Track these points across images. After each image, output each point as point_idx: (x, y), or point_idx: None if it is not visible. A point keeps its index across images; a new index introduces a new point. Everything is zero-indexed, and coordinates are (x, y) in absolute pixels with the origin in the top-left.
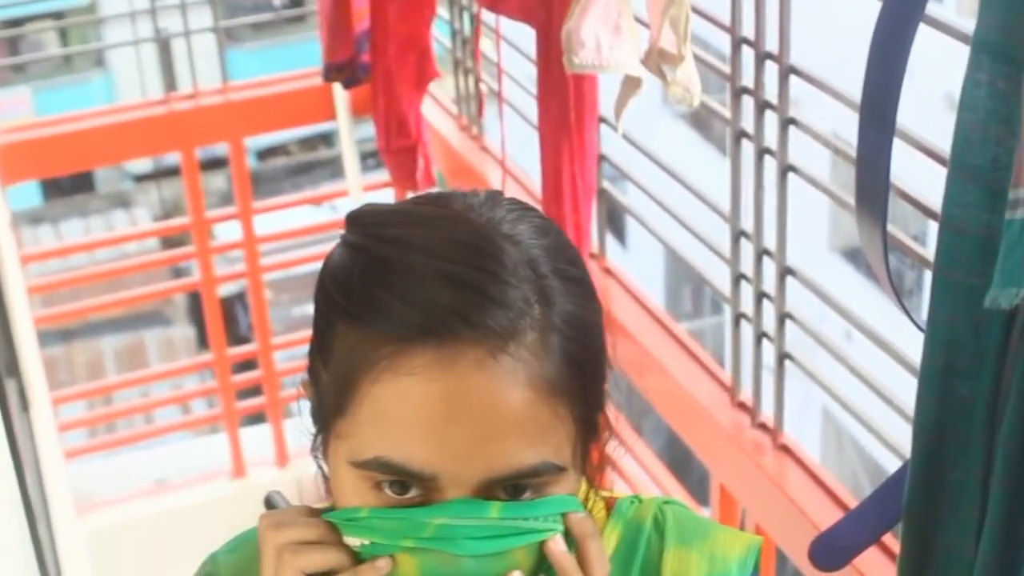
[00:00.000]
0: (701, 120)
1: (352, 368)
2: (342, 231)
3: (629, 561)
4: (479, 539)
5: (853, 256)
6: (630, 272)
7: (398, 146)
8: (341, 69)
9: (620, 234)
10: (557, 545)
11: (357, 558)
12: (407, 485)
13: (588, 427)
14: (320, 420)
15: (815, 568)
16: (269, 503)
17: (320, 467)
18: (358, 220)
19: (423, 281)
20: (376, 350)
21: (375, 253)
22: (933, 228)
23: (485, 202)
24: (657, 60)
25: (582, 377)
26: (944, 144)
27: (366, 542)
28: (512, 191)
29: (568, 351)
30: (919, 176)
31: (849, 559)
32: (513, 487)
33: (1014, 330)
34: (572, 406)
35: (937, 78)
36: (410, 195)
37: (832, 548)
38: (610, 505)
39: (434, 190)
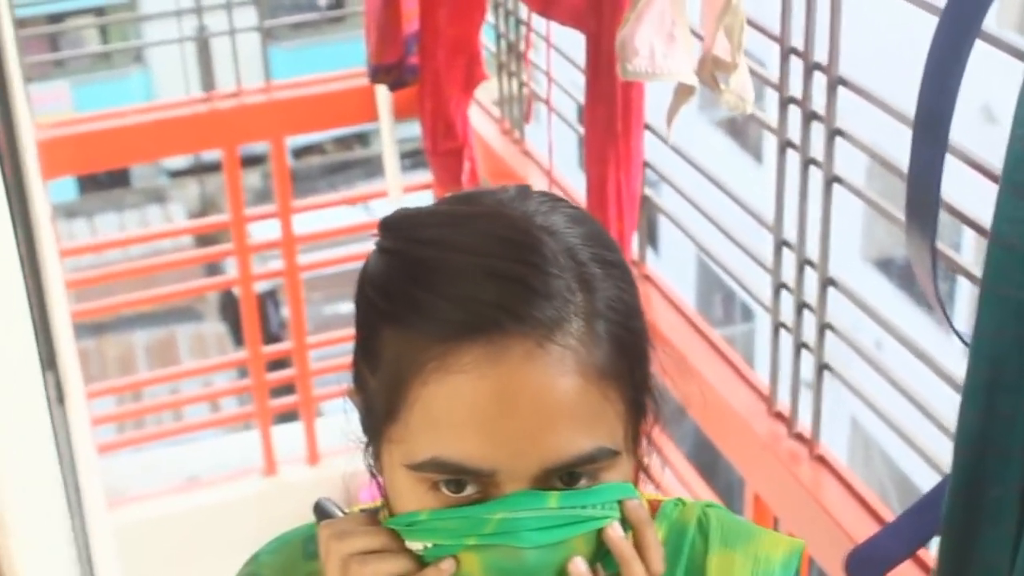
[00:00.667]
0: (737, 127)
1: (400, 372)
2: (376, 237)
3: (674, 563)
4: (540, 530)
5: (885, 266)
6: (662, 276)
7: (445, 148)
8: (389, 71)
9: (652, 240)
10: (615, 531)
11: (421, 562)
12: (463, 483)
13: (637, 409)
14: (371, 427)
15: None
16: (320, 509)
17: (373, 475)
18: (393, 225)
19: (465, 279)
20: (424, 351)
21: (414, 255)
22: (967, 238)
23: (516, 196)
24: (711, 68)
25: (629, 359)
26: (982, 155)
27: (429, 545)
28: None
29: (614, 335)
30: (957, 186)
31: (885, 572)
32: (569, 475)
33: None
34: (621, 389)
35: (973, 90)
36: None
37: (868, 561)
38: (654, 507)
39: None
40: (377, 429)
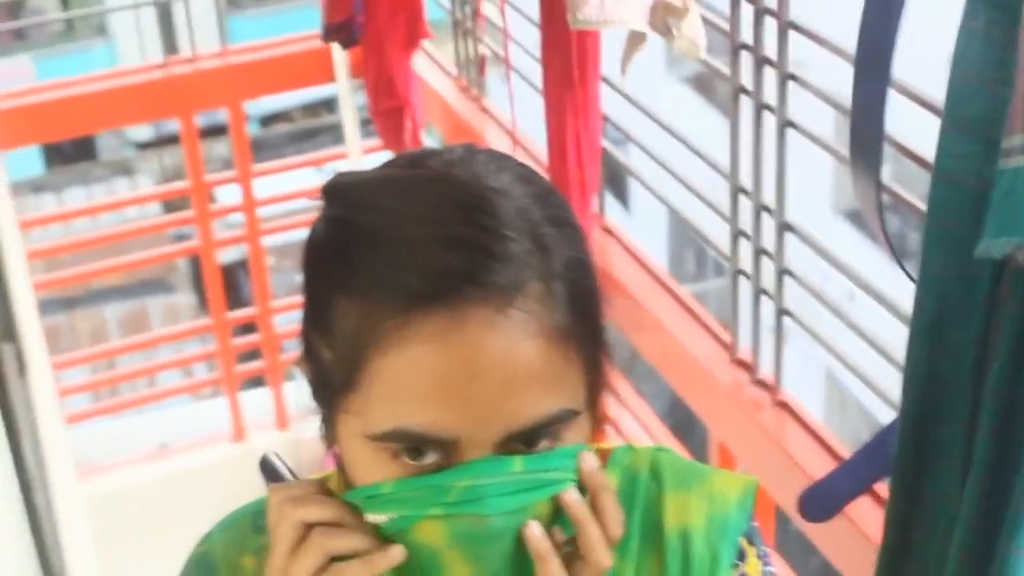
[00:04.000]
0: (705, 83)
1: (358, 342)
2: (321, 204)
3: (629, 508)
4: (504, 495)
5: (857, 218)
6: (633, 235)
7: (386, 107)
8: (339, 29)
9: (623, 197)
10: (572, 495)
11: (380, 533)
12: (424, 451)
13: (595, 367)
14: (325, 398)
15: (803, 518)
16: (267, 464)
17: (330, 445)
18: (337, 192)
19: (421, 246)
20: (382, 321)
21: (365, 224)
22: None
23: (463, 157)
24: (662, 14)
25: (586, 318)
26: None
27: (393, 516)
28: (516, 153)
29: (572, 294)
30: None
31: (838, 509)
32: (530, 437)
33: (1003, 281)
34: (581, 348)
35: (939, 41)
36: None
37: (821, 499)
38: (605, 454)
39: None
40: (332, 400)
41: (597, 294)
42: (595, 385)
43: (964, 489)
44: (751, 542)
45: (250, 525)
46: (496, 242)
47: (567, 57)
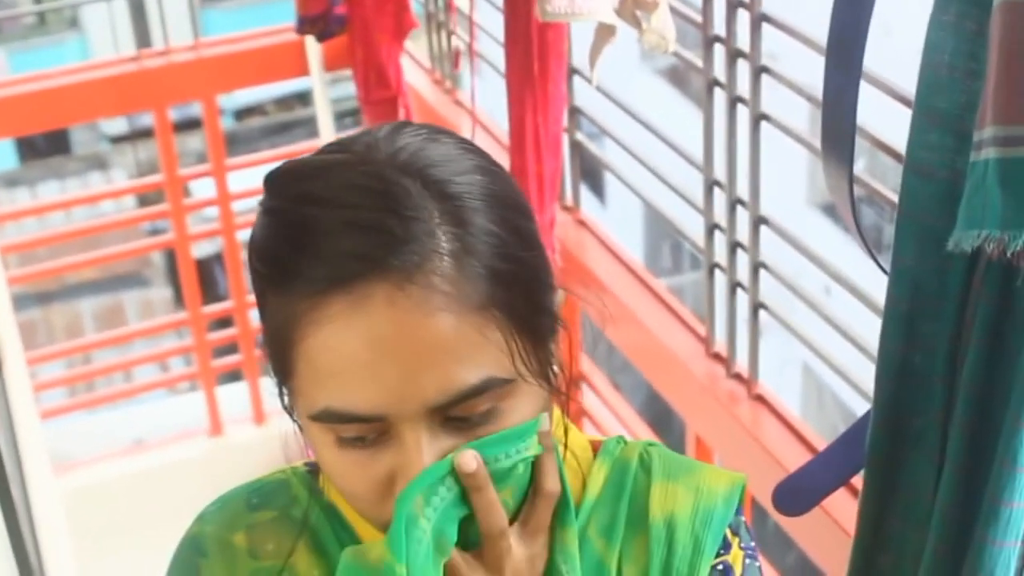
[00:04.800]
0: (680, 76)
1: (283, 330)
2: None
3: (617, 497)
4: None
5: (831, 211)
6: (609, 228)
7: (378, 97)
8: (315, 22)
9: (599, 191)
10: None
11: None
12: (362, 438)
13: (532, 332)
14: (277, 378)
15: (779, 512)
16: None
17: (295, 422)
18: (271, 181)
19: (327, 233)
20: (294, 309)
21: (285, 215)
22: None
23: (388, 135)
24: (631, 7)
25: (511, 286)
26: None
27: None
28: (484, 144)
29: (489, 265)
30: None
31: (814, 503)
32: (460, 406)
33: (976, 273)
34: (505, 316)
35: (915, 34)
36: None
37: (796, 492)
38: (596, 446)
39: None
40: (281, 384)
41: (531, 261)
42: (537, 350)
43: (939, 480)
44: (736, 534)
45: (244, 503)
46: (395, 221)
47: (528, 50)
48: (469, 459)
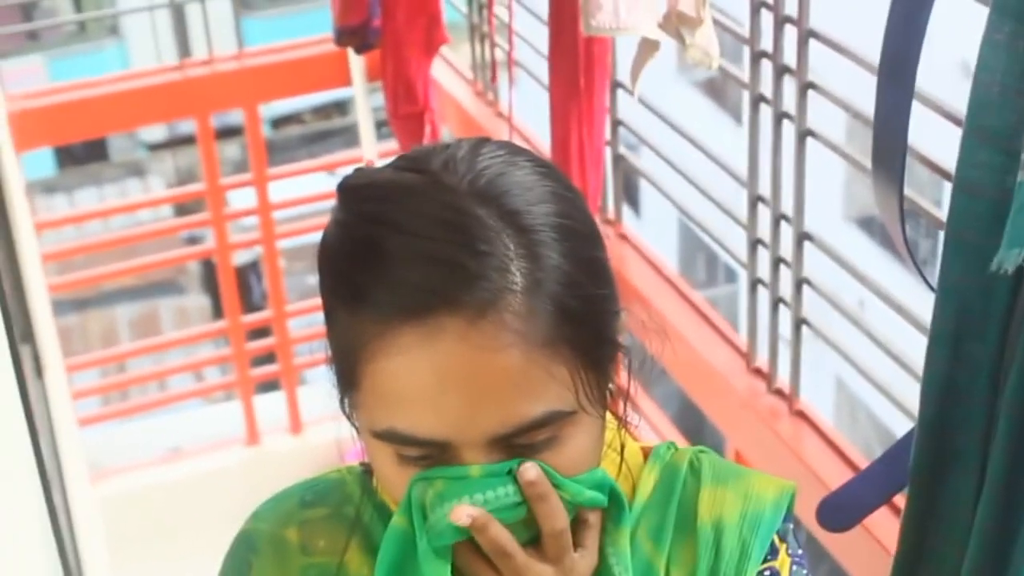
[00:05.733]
0: (716, 88)
1: (350, 348)
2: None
3: (666, 501)
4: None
5: (867, 225)
6: (643, 240)
7: (405, 112)
8: (353, 33)
9: (634, 201)
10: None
11: None
12: (423, 456)
13: (596, 365)
14: (340, 391)
15: (822, 527)
16: None
17: (354, 427)
18: (345, 191)
19: (398, 262)
20: (363, 333)
21: (356, 233)
22: (949, 194)
23: (466, 155)
24: (676, 23)
25: (580, 322)
26: (961, 109)
27: None
28: None
29: (560, 302)
30: (936, 141)
31: (857, 520)
32: (521, 437)
33: (1020, 293)
34: (571, 352)
35: (952, 45)
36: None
37: (840, 509)
38: (647, 451)
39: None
40: (344, 393)
41: (599, 295)
42: (598, 383)
43: (979, 498)
44: (784, 541)
45: (298, 500)
46: (469, 258)
47: (574, 64)
48: (530, 468)
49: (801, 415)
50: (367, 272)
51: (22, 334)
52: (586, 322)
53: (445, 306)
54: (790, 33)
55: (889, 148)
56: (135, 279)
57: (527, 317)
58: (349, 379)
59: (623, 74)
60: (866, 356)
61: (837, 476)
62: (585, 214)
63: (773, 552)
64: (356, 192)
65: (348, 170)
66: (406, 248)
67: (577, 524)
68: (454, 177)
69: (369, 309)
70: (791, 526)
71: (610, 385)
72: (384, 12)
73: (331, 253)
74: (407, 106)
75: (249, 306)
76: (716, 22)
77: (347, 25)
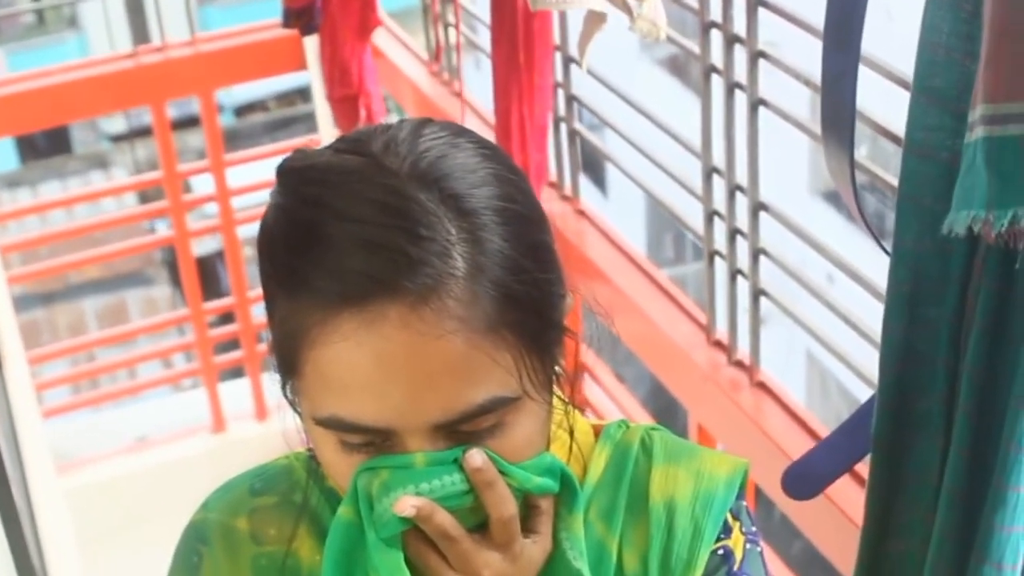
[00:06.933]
0: (679, 66)
1: (291, 333)
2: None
3: (617, 480)
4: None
5: (834, 199)
6: (611, 219)
7: (340, 95)
8: (299, 15)
9: (600, 182)
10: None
11: None
12: (366, 444)
13: (541, 350)
14: (281, 374)
15: (788, 495)
16: None
17: (297, 413)
18: (284, 173)
19: (339, 248)
20: (304, 319)
21: (296, 217)
22: None
23: (407, 137)
24: None
25: (524, 308)
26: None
27: None
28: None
29: (503, 287)
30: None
31: (821, 488)
32: (465, 423)
33: (977, 255)
34: (515, 337)
35: (916, 19)
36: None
37: (804, 477)
38: (598, 430)
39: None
40: (285, 380)
41: (544, 279)
42: (544, 366)
43: (945, 464)
44: (737, 519)
45: (247, 488)
46: (410, 244)
47: (513, 39)
48: (475, 455)
49: (762, 386)
50: (307, 258)
51: None
52: (530, 307)
53: (386, 292)
54: (739, 3)
55: (837, 113)
56: (102, 271)
57: (469, 303)
58: (291, 366)
59: (576, 49)
60: (833, 329)
61: (800, 447)
62: (529, 196)
63: (727, 530)
64: (295, 175)
65: None
66: (346, 233)
67: (529, 510)
68: (395, 160)
69: (309, 295)
70: (744, 503)
71: (556, 368)
72: None
73: (270, 238)
74: (342, 89)
75: (217, 295)
76: None
77: (293, 7)
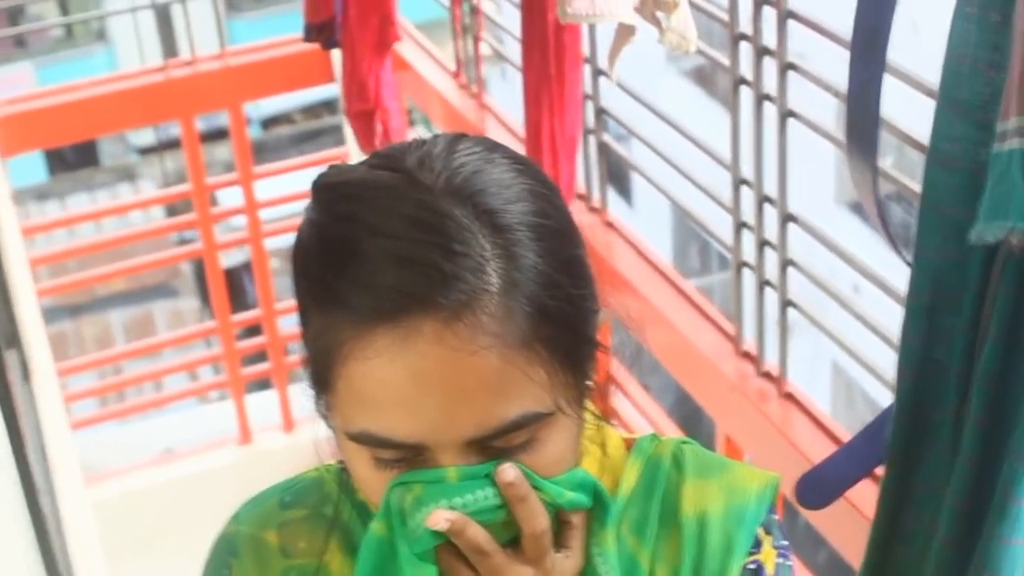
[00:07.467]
0: (706, 77)
1: (324, 349)
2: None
3: (649, 494)
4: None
5: (860, 209)
6: (637, 230)
7: (357, 110)
8: (320, 29)
9: (626, 192)
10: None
11: None
12: (398, 460)
13: (574, 365)
14: (314, 389)
15: (801, 505)
16: None
17: (330, 427)
18: (319, 189)
19: (372, 263)
20: (340, 334)
21: (330, 233)
22: None
23: (442, 152)
24: (652, 7)
25: (558, 323)
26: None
27: None
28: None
29: (537, 302)
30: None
31: (835, 497)
32: (498, 439)
33: (995, 265)
34: (550, 351)
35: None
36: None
37: (819, 485)
38: (630, 444)
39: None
40: (318, 395)
41: (578, 299)
42: (577, 380)
43: (951, 474)
44: (769, 533)
45: (277, 501)
46: (444, 259)
47: (544, 49)
48: (508, 469)
49: (790, 397)
50: (341, 274)
51: (8, 339)
52: (564, 322)
53: (420, 308)
54: (769, 15)
55: (862, 124)
56: (129, 284)
57: (503, 318)
58: (324, 381)
59: (605, 61)
60: (859, 339)
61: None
62: (563, 211)
63: (757, 545)
64: (330, 191)
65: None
66: (380, 249)
67: (561, 526)
68: (429, 175)
69: (344, 311)
70: (775, 517)
71: (588, 383)
72: (344, 10)
73: (305, 254)
74: (359, 104)
75: (244, 307)
76: (693, 5)
77: (314, 21)
